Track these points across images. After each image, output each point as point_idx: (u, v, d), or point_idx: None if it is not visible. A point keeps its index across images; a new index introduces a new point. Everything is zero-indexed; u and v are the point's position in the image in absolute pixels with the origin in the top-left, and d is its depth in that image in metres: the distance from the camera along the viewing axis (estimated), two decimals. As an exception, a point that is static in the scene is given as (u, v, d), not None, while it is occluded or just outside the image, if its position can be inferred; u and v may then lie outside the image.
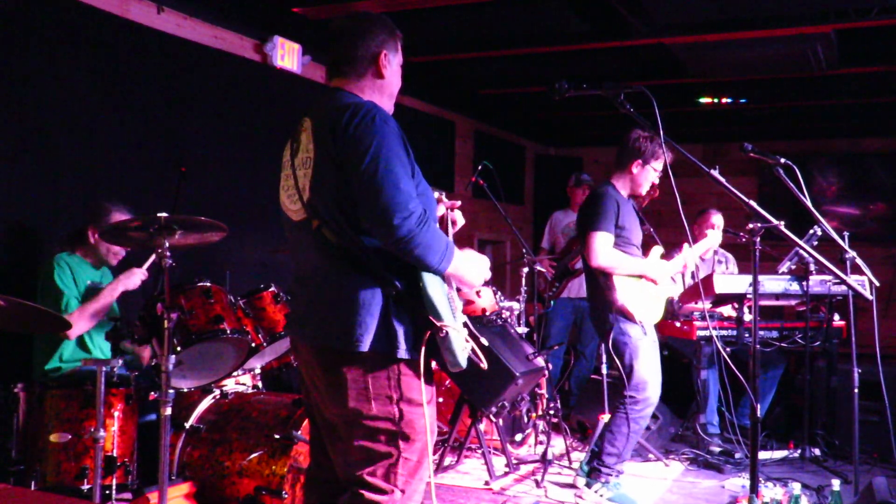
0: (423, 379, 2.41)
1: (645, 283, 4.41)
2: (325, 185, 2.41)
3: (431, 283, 2.39)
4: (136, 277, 3.94)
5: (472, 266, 2.54)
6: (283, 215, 2.63)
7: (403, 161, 2.37)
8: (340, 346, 2.39)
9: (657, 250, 4.56)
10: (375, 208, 2.30)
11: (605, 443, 4.40)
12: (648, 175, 4.42)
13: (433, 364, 2.50)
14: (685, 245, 4.58)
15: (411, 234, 2.30)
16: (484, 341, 2.48)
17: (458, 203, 2.79)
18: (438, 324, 2.35)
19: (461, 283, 2.55)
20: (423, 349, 2.38)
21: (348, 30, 2.59)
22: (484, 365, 2.46)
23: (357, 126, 2.34)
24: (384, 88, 2.62)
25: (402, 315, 2.40)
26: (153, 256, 3.93)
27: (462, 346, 2.38)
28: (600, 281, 4.36)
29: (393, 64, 2.62)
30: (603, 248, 4.26)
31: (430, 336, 2.37)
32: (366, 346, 2.37)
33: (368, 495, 2.40)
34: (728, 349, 5.23)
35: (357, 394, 2.40)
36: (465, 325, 2.44)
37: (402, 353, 2.39)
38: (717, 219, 5.97)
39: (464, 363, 2.39)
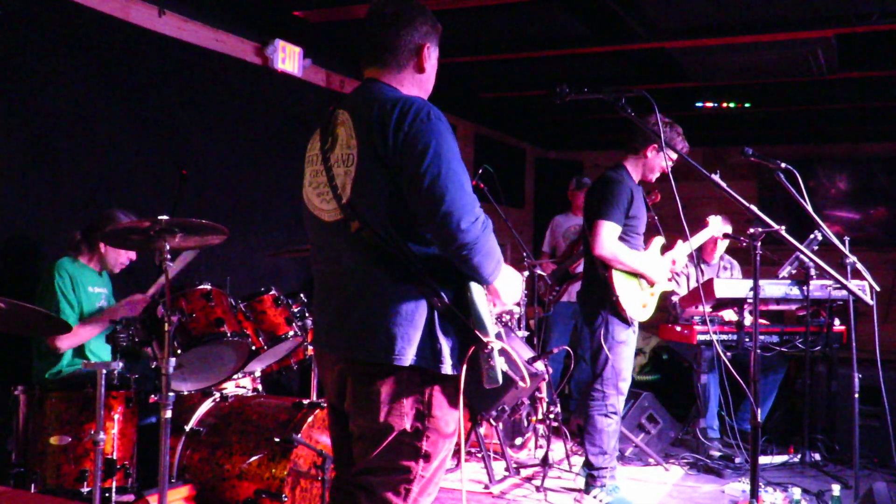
0: (459, 396, 2.31)
1: (642, 281, 4.39)
2: (372, 185, 2.24)
3: (478, 295, 2.27)
4: (138, 305, 3.85)
5: (511, 281, 2.41)
6: (307, 214, 2.45)
7: (462, 161, 2.23)
8: (380, 359, 2.24)
9: (658, 241, 4.51)
10: (439, 213, 2.15)
11: (587, 445, 4.41)
12: (662, 161, 4.34)
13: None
14: (678, 241, 4.55)
15: (477, 240, 2.18)
16: (515, 355, 2.37)
17: None
18: (485, 339, 2.23)
19: (496, 298, 2.39)
20: (464, 366, 2.26)
21: (392, 16, 2.38)
22: (526, 383, 2.38)
23: (412, 124, 2.18)
24: (422, 83, 2.46)
25: (448, 329, 2.27)
26: (158, 284, 3.90)
27: (500, 361, 2.26)
28: (599, 272, 4.33)
29: (433, 58, 2.45)
30: (608, 238, 4.21)
31: (472, 352, 2.25)
32: (407, 360, 2.23)
33: None
34: (728, 353, 5.24)
35: (390, 409, 2.26)
36: (499, 336, 2.32)
37: (447, 368, 2.26)
38: (725, 227, 5.91)
39: (501, 379, 2.27)
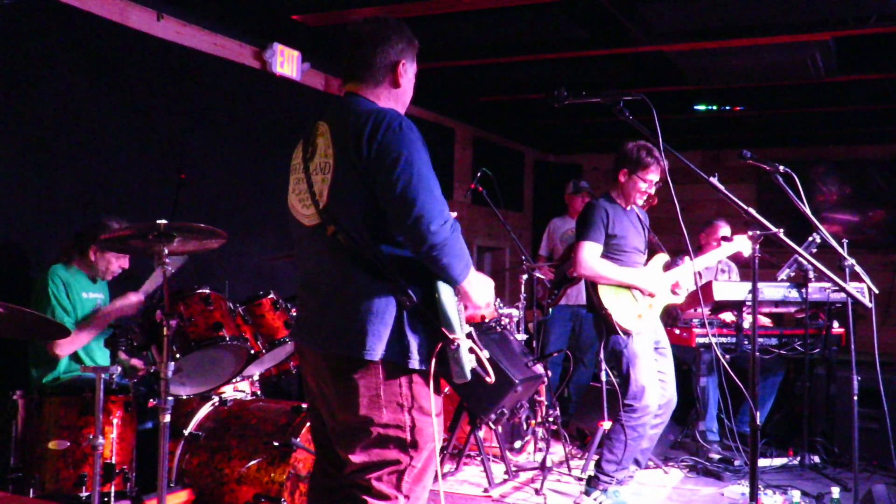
0: (433, 389, 2.41)
1: (636, 293, 4.40)
2: (346, 191, 2.40)
3: (446, 294, 2.40)
4: (131, 301, 3.84)
5: (481, 285, 2.53)
6: (291, 219, 2.61)
7: (432, 168, 2.37)
8: (353, 354, 2.37)
9: (660, 258, 4.54)
10: (411, 217, 2.29)
11: (605, 450, 4.41)
12: (637, 185, 4.38)
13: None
14: (686, 258, 4.56)
15: (446, 242, 2.32)
16: (486, 353, 2.47)
17: (455, 214, 2.77)
18: (451, 336, 2.36)
19: (467, 301, 2.52)
20: (433, 361, 2.38)
21: (369, 35, 2.55)
22: (491, 378, 2.45)
23: (384, 134, 2.33)
24: (399, 97, 2.61)
25: (416, 326, 2.39)
26: (150, 281, 3.84)
27: (468, 358, 2.39)
28: (589, 290, 4.41)
29: (409, 73, 2.61)
30: (587, 257, 4.31)
31: (440, 348, 2.37)
32: (377, 355, 2.36)
33: (372, 502, 2.40)
34: (727, 356, 5.23)
35: (369, 401, 2.38)
36: (470, 335, 2.45)
37: (414, 363, 2.39)
38: (726, 230, 5.91)
39: (469, 375, 2.39)
